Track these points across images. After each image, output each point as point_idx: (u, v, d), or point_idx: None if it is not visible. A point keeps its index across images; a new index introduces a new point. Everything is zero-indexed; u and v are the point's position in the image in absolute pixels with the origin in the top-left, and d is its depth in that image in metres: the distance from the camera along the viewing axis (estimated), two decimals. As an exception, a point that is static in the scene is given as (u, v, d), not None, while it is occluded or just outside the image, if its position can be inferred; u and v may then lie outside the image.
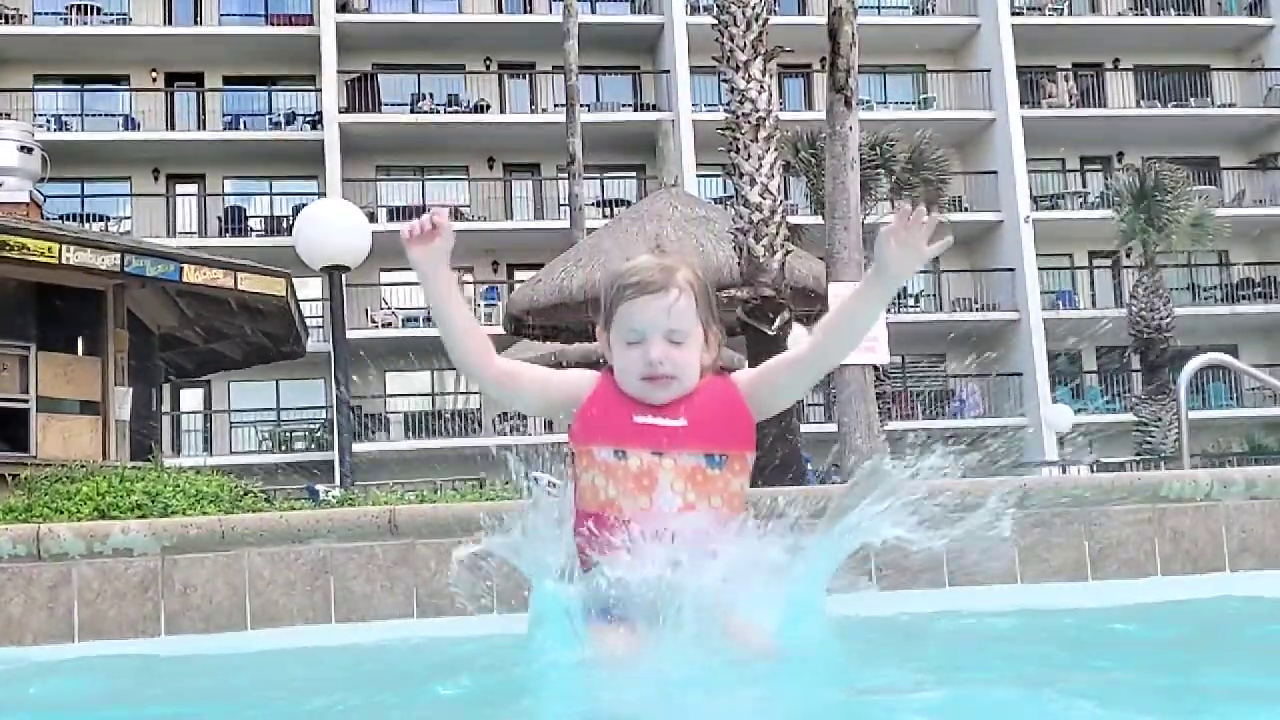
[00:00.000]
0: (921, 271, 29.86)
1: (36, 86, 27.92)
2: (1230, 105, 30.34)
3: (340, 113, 27.45)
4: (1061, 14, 30.64)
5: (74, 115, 27.91)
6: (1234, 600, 3.20)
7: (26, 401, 10.77)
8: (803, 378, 2.36)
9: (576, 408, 2.29)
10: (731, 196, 10.40)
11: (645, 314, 2.24)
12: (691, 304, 2.27)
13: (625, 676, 2.06)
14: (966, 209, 28.31)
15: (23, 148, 12.05)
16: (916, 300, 29.41)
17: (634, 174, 29.09)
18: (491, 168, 29.14)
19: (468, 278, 28.28)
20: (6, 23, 27.34)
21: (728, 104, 10.15)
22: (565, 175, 19.22)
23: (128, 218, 27.50)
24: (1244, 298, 29.24)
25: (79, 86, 28.18)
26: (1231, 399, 28.19)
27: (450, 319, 2.33)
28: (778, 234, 9.72)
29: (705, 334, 2.30)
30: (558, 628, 2.18)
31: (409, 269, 2.31)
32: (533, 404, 2.42)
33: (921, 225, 2.19)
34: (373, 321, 26.66)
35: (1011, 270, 28.31)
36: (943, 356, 29.12)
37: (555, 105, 25.99)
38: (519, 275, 26.34)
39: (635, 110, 29.17)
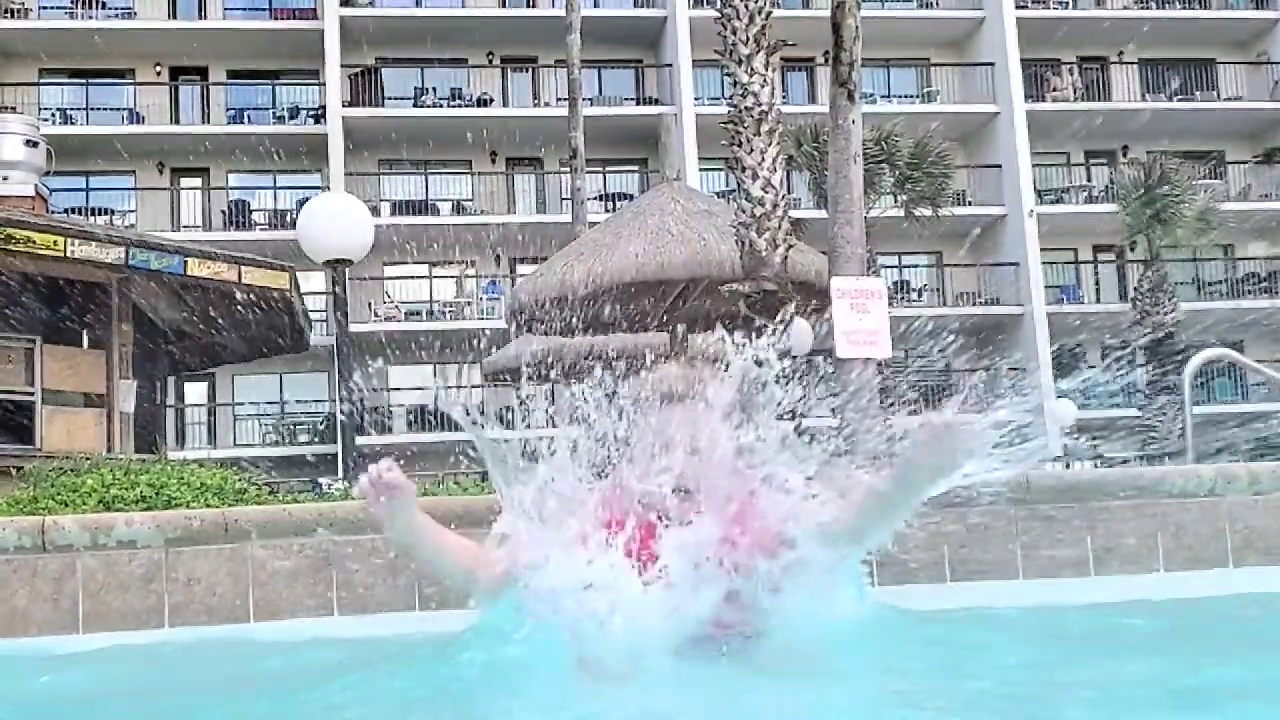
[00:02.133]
0: (925, 265, 29.93)
1: (41, 80, 27.94)
2: (1236, 99, 30.23)
3: (343, 107, 27.45)
4: (1066, 7, 30.53)
5: (79, 109, 27.91)
6: (1237, 596, 3.20)
7: (31, 394, 10.79)
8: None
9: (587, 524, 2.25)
10: (733, 190, 10.38)
11: (668, 422, 2.22)
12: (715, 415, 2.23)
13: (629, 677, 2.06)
14: (970, 203, 28.24)
15: (28, 141, 12.08)
16: (919, 294, 29.36)
17: (636, 168, 29.05)
18: (494, 161, 29.12)
19: (470, 271, 28.29)
20: (11, 17, 27.34)
21: (730, 98, 10.12)
22: (567, 169, 19.19)
23: (132, 211, 27.52)
24: (1249, 292, 29.14)
25: (83, 80, 28.17)
26: (1236, 394, 28.12)
27: (453, 575, 2.32)
28: (780, 228, 9.70)
29: None
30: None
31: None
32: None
33: (949, 433, 2.01)
34: (376, 315, 26.65)
35: (1015, 264, 28.24)
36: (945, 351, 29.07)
37: (558, 99, 25.95)
38: (521, 269, 26.33)
39: (638, 104, 29.13)
